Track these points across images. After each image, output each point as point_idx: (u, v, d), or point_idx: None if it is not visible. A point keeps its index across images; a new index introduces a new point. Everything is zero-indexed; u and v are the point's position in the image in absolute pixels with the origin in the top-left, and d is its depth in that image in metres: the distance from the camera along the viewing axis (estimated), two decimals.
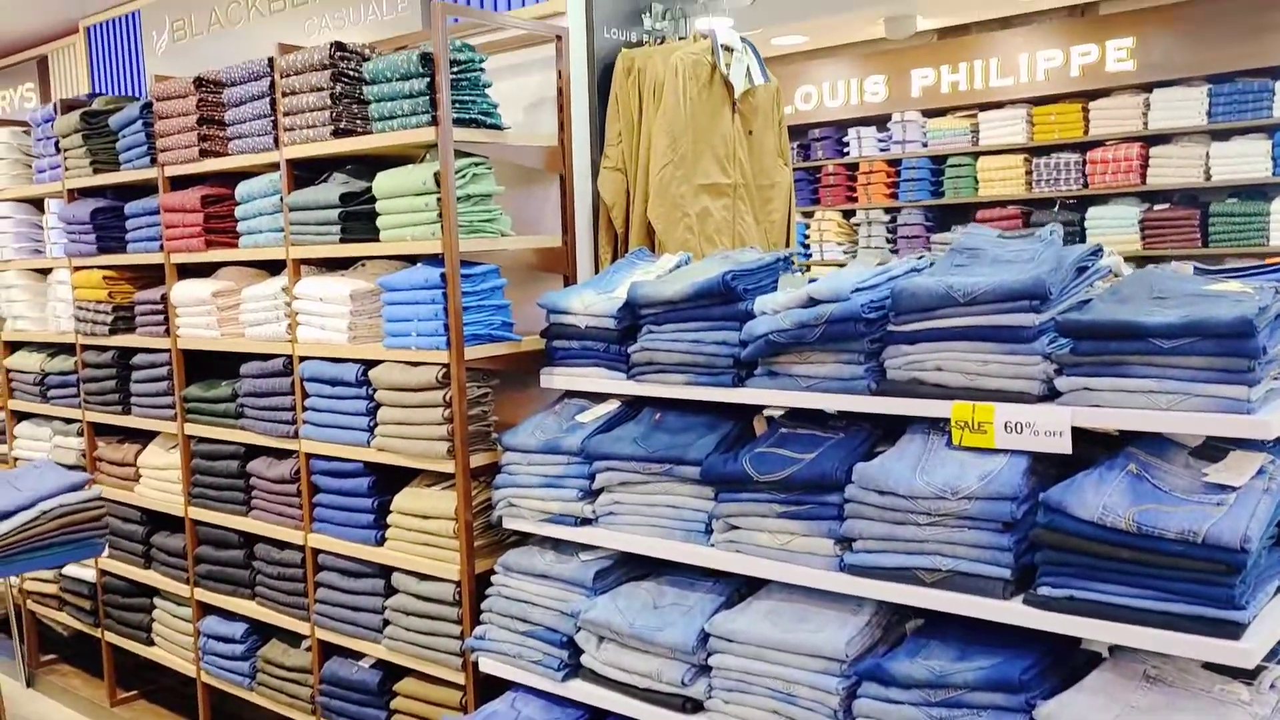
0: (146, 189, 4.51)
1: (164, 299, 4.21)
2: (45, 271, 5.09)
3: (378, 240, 3.42)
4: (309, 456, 3.70)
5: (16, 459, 5.27)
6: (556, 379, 3.30)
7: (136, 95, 4.74)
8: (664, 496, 2.90)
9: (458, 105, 3.17)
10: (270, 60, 3.63)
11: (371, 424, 3.46)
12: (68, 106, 4.63)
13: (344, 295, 3.47)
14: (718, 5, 3.67)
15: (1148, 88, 6.32)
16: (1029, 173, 6.75)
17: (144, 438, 4.65)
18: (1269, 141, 5.98)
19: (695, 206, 3.55)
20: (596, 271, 3.65)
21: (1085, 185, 6.55)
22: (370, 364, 3.46)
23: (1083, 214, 6.52)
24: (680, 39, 3.73)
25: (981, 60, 6.93)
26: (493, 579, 3.22)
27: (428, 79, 3.14)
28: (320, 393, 3.62)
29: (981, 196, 7.01)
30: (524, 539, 3.26)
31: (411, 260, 3.59)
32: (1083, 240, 6.51)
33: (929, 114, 7.33)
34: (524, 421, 3.30)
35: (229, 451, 4.04)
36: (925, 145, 7.32)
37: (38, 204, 5.12)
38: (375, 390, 3.41)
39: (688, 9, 3.80)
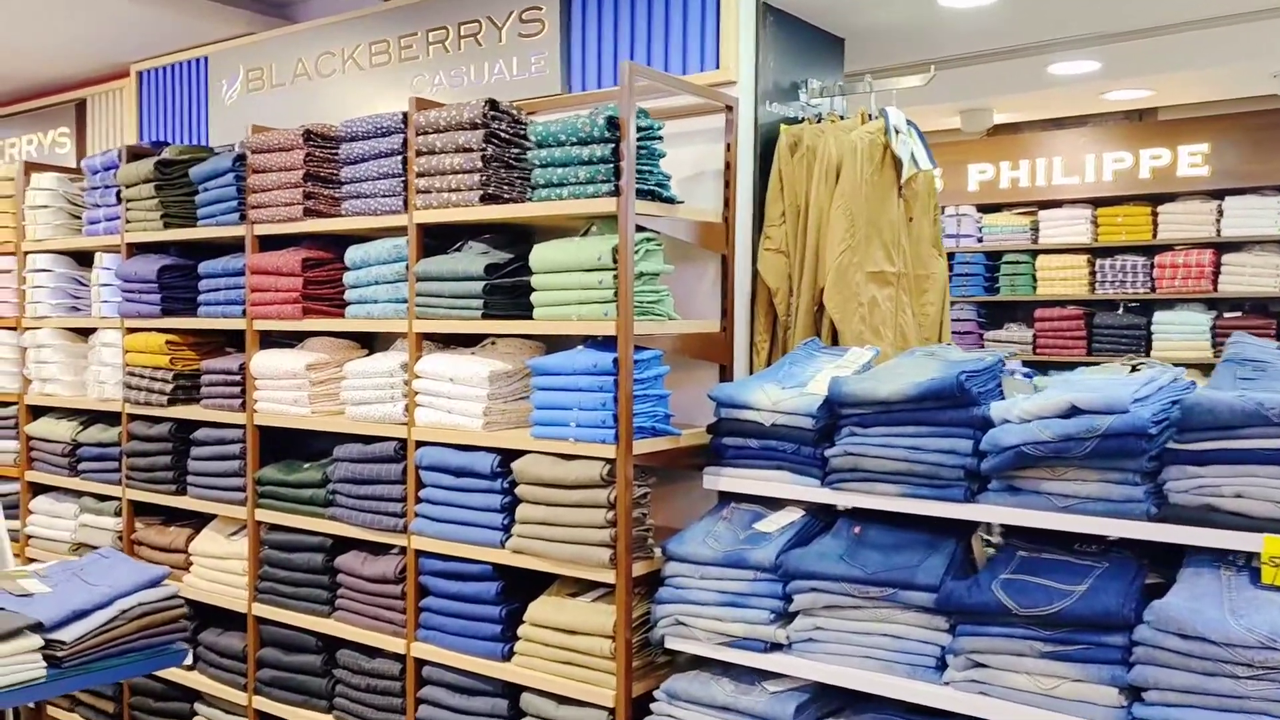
0: (214, 248, 4.14)
1: (243, 369, 3.80)
2: (85, 331, 4.64)
3: (524, 317, 3.08)
4: (419, 554, 3.30)
5: (30, 537, 4.74)
6: (724, 480, 2.96)
7: (163, 143, 4.38)
8: (883, 624, 2.55)
9: (638, 175, 2.87)
10: (404, 115, 3.30)
11: (506, 522, 3.08)
12: (134, 154, 4.25)
13: (481, 376, 3.12)
14: (887, 84, 3.45)
15: (1219, 194, 6.27)
16: (1092, 273, 6.64)
17: (192, 520, 4.19)
18: None
19: (865, 295, 3.28)
20: (752, 360, 3.34)
21: (1152, 289, 6.44)
22: (508, 454, 3.09)
23: (1148, 318, 6.39)
24: (841, 117, 3.49)
25: (1044, 158, 6.85)
26: (653, 708, 2.83)
27: (613, 145, 2.84)
28: (440, 483, 3.23)
29: (1040, 295, 6.87)
30: (680, 660, 2.89)
31: (547, 340, 3.26)
32: (1148, 345, 6.37)
33: (984, 209, 7.21)
34: (688, 527, 2.95)
35: (312, 543, 3.61)
36: (980, 240, 7.18)
37: (80, 258, 4.69)
38: (515, 484, 3.04)
39: (846, 86, 3.57)
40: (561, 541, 2.93)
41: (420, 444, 3.29)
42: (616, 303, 2.84)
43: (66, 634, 2.87)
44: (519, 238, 3.36)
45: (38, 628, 2.82)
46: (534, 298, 3.02)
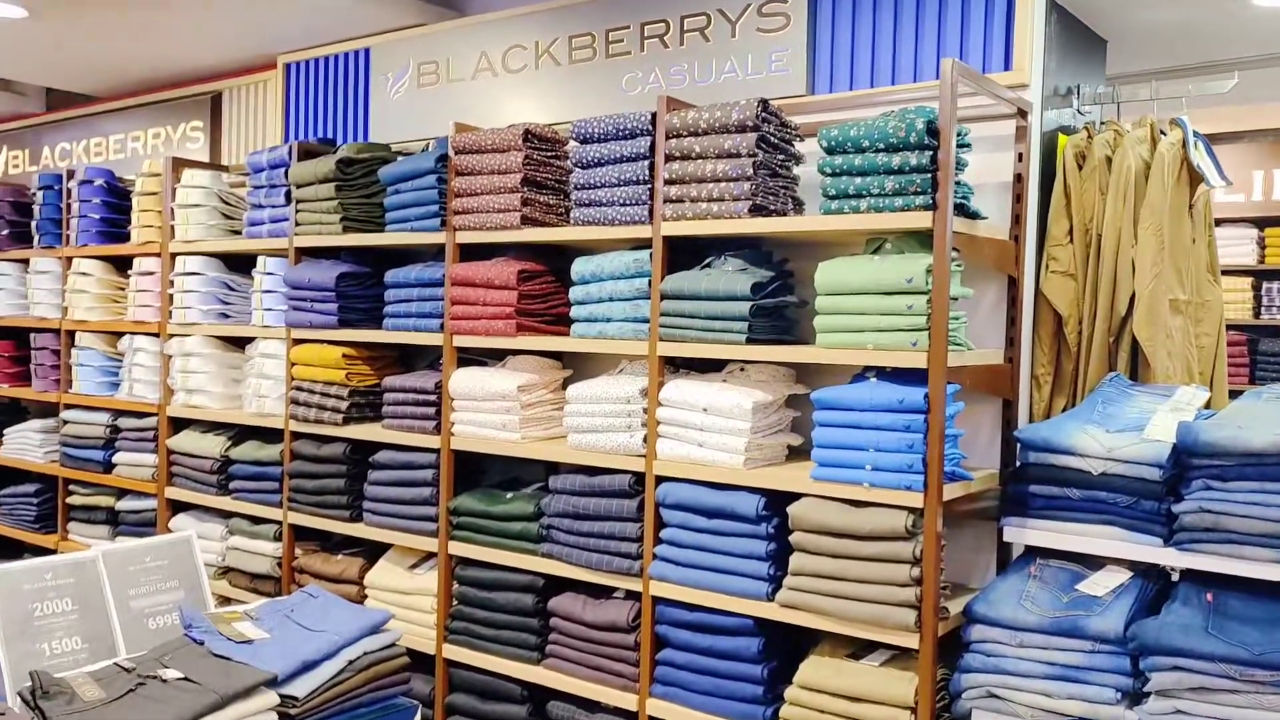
0: (390, 256, 3.85)
1: (438, 388, 3.49)
2: (236, 340, 4.34)
3: (786, 341, 2.75)
4: (657, 601, 2.97)
5: None
6: (1032, 534, 2.63)
7: (331, 140, 4.05)
8: (1268, 714, 2.21)
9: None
10: (652, 116, 2.99)
11: (773, 572, 2.75)
12: (305, 152, 3.95)
13: (743, 407, 2.79)
14: (1175, 88, 3.10)
15: None
16: (1257, 297, 6.26)
17: (359, 548, 3.88)
18: None
19: (1170, 326, 2.93)
20: (1033, 395, 3.00)
21: None
22: (776, 495, 2.77)
23: None
24: (1120, 128, 3.15)
25: None
26: None
27: (930, 153, 2.51)
28: (688, 524, 2.90)
29: None
30: None
31: (806, 369, 2.93)
32: None
33: None
34: (990, 586, 2.62)
35: (520, 582, 3.29)
36: None
37: (231, 261, 4.40)
38: (790, 531, 2.71)
39: (1123, 92, 3.23)
40: (853, 599, 2.60)
41: (662, 479, 2.97)
42: (928, 331, 2.51)
43: (297, 689, 2.55)
44: (764, 254, 3.04)
45: (272, 682, 2.52)
46: (818, 322, 2.69)
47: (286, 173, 3.95)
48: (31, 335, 5.13)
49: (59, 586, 2.64)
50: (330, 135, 4.66)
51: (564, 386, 3.46)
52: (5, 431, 5.34)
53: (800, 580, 2.69)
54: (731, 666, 2.83)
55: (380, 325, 3.79)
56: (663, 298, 2.96)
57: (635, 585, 3.02)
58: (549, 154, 3.35)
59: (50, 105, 6.60)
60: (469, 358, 3.55)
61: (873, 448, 2.58)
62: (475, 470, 3.61)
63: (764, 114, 2.80)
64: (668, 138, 2.95)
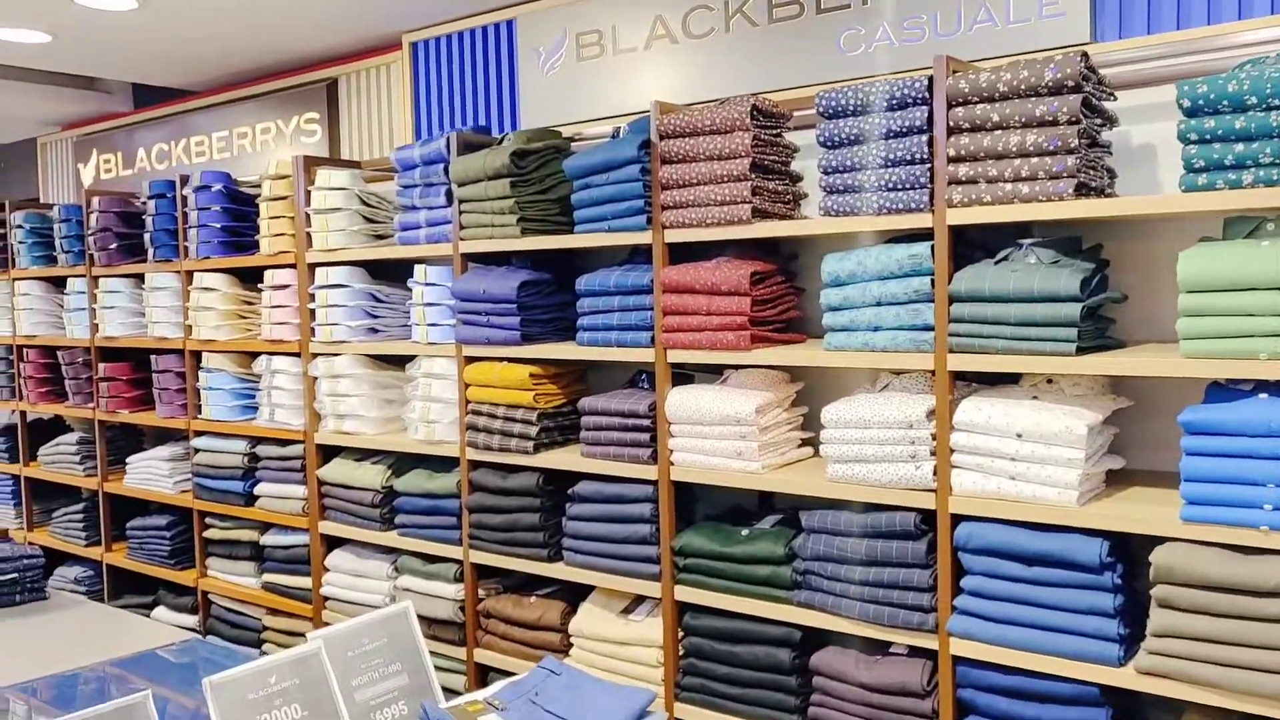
0: (565, 260, 3.39)
1: (653, 410, 3.02)
2: (389, 359, 3.91)
3: (1111, 346, 2.25)
4: (958, 661, 2.50)
5: (326, 599, 4.06)
6: None
7: (486, 129, 3.57)
8: None
9: None
10: (927, 81, 2.47)
11: (1124, 631, 2.26)
12: (465, 144, 3.47)
13: (1076, 433, 2.29)
14: None
15: None
16: None
17: (552, 589, 3.45)
18: None
19: None
20: None
21: None
22: (1121, 538, 2.27)
23: None
24: None
25: None
26: None
27: None
28: (999, 571, 2.42)
29: None
30: None
31: (1120, 381, 2.42)
32: None
33: None
34: None
35: (772, 635, 2.83)
36: None
37: (375, 270, 3.95)
38: (1137, 579, 2.22)
39: None
40: (1248, 668, 2.10)
41: (959, 518, 2.49)
42: None
43: None
44: (1073, 241, 2.51)
45: None
46: (1181, 325, 2.18)
47: (446, 169, 3.48)
48: (152, 357, 4.74)
49: (285, 691, 2.23)
50: (467, 123, 4.19)
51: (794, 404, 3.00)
52: (129, 460, 4.98)
53: (1167, 644, 2.19)
54: None
55: (565, 339, 3.34)
56: (953, 300, 2.45)
57: (928, 642, 2.54)
58: (774, 133, 2.85)
59: (138, 103, 6.20)
60: (680, 373, 3.08)
61: (1274, 483, 2.07)
62: (685, 500, 3.15)
63: (1085, 69, 2.27)
64: (951, 106, 2.43)
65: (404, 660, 2.52)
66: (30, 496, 5.65)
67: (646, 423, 3.04)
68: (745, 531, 2.94)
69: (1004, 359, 2.38)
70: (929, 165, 2.47)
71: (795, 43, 3.19)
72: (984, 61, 2.76)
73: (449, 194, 3.49)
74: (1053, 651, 2.34)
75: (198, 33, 4.52)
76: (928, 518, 2.55)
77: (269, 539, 4.31)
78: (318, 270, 3.95)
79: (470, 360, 3.48)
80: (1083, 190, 2.29)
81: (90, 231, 4.92)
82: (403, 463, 3.87)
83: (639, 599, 3.24)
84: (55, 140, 6.92)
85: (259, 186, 4.25)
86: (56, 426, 5.72)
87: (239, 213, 4.35)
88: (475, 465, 3.50)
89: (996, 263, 2.46)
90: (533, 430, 3.29)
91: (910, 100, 2.49)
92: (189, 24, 4.41)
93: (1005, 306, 2.37)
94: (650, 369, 3.13)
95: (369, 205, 3.90)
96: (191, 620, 4.63)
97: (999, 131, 2.37)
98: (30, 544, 4.61)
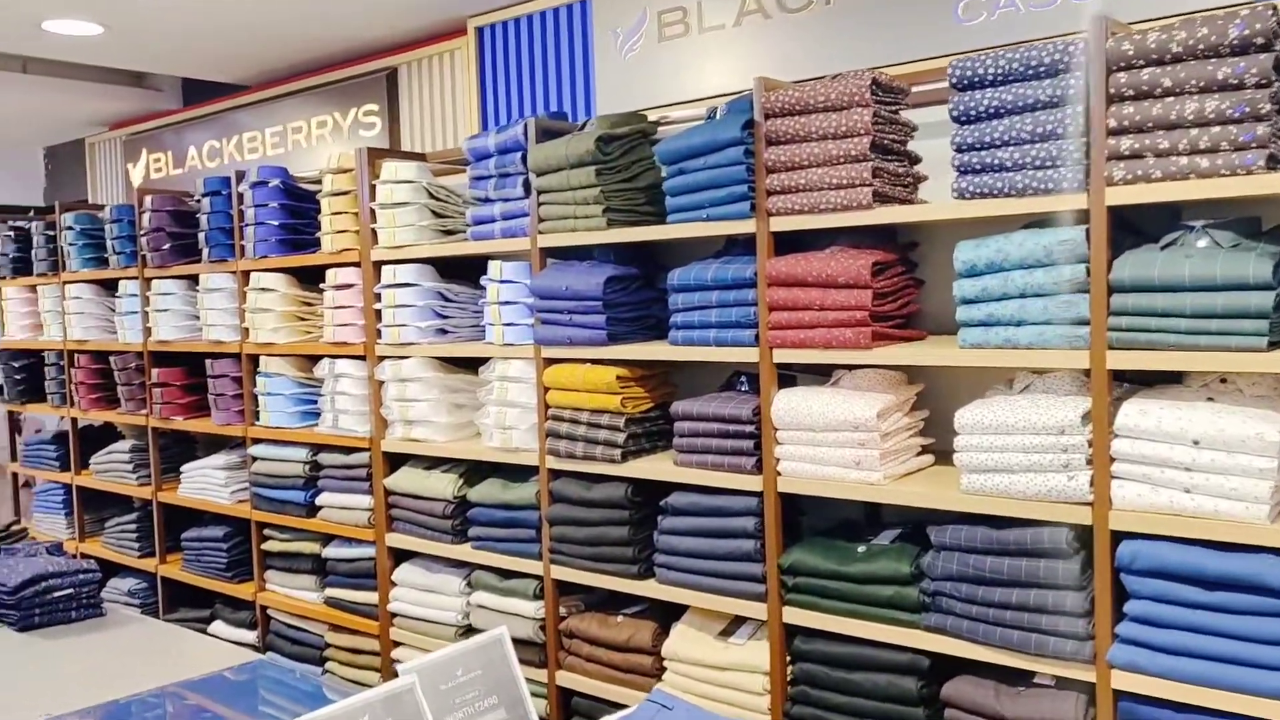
0: (650, 252, 3.15)
1: (757, 415, 2.77)
2: (461, 361, 3.68)
3: None
4: (1121, 696, 2.23)
5: (394, 615, 3.84)
6: None
7: (560, 115, 3.33)
8: None
9: None
10: (1083, 44, 2.19)
11: None
12: (544, 131, 3.24)
13: (1266, 439, 2.01)
14: None
15: None
16: None
17: (639, 607, 3.21)
18: None
19: None
20: None
21: None
22: None
23: None
24: None
25: None
26: None
27: None
28: (1173, 596, 2.14)
29: None
30: None
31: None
32: None
33: None
34: None
35: (898, 662, 2.57)
36: None
37: (443, 267, 3.73)
38: None
39: None
40: None
41: (1121, 535, 2.21)
42: None
43: None
44: (1252, 222, 2.24)
45: None
46: None
47: (523, 158, 3.25)
48: (207, 361, 4.55)
49: None
50: (538, 112, 3.96)
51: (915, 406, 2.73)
52: (183, 469, 4.80)
53: None
54: None
55: (651, 338, 3.10)
56: (1114, 291, 2.18)
57: (1083, 673, 2.27)
58: (893, 110, 2.59)
59: (188, 100, 6.04)
60: (783, 374, 2.83)
61: None
62: (789, 513, 2.89)
63: (1278, 25, 2.00)
64: (1111, 71, 2.16)
65: (500, 692, 2.29)
66: (82, 506, 5.49)
67: (750, 429, 2.78)
68: (862, 548, 2.68)
69: (1178, 355, 2.11)
70: (1085, 139, 2.20)
71: (905, 14, 2.92)
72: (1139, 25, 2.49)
73: (526, 184, 3.26)
74: (1236, 688, 2.06)
75: (252, 19, 4.32)
76: (1081, 534, 2.27)
77: (331, 551, 4.10)
78: (384, 268, 3.74)
79: (550, 362, 3.25)
80: (1274, 163, 2.01)
81: (143, 232, 4.74)
82: (475, 472, 3.64)
83: (738, 620, 2.98)
84: (104, 140, 6.78)
85: (318, 182, 4.05)
86: (108, 434, 5.56)
87: (298, 209, 4.15)
88: (555, 474, 3.26)
89: (1163, 248, 2.18)
90: (620, 437, 3.05)
91: (1058, 68, 2.22)
92: (243, 11, 4.21)
93: (1179, 297, 2.09)
94: (751, 370, 2.87)
95: (438, 199, 3.68)
96: (250, 636, 4.43)
97: (1171, 98, 2.09)
98: (84, 556, 4.45)
